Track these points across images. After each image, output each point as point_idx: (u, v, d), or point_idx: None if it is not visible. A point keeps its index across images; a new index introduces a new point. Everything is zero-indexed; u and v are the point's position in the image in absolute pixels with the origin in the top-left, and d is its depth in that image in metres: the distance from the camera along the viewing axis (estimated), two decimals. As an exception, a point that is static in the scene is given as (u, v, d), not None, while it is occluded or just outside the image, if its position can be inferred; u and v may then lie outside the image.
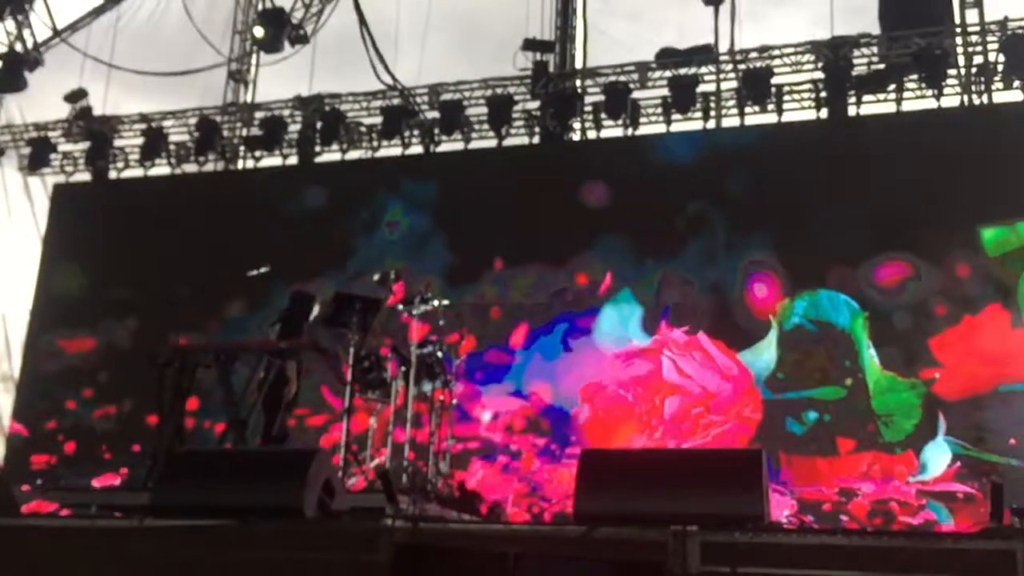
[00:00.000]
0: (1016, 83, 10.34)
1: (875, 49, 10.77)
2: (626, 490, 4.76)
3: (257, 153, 12.81)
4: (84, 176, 13.47)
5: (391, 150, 12.32)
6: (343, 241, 11.41)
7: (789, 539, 4.53)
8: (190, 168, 13.04)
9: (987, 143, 9.79)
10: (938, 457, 9.10)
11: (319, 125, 12.48)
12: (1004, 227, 9.48)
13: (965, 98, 10.63)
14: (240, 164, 13.19)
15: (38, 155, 13.40)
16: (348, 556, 4.71)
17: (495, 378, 10.40)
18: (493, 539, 4.69)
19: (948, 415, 9.12)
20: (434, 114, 12.09)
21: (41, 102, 13.35)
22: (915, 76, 10.57)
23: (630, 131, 11.51)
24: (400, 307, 7.55)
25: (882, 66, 10.70)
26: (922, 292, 9.42)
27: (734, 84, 11.24)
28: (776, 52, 11.05)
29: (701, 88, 11.25)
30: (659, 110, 11.42)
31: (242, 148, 13.10)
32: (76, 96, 13.12)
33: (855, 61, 10.77)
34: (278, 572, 4.80)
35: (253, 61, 13.89)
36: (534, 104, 11.90)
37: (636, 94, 11.48)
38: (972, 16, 10.84)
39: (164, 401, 7.03)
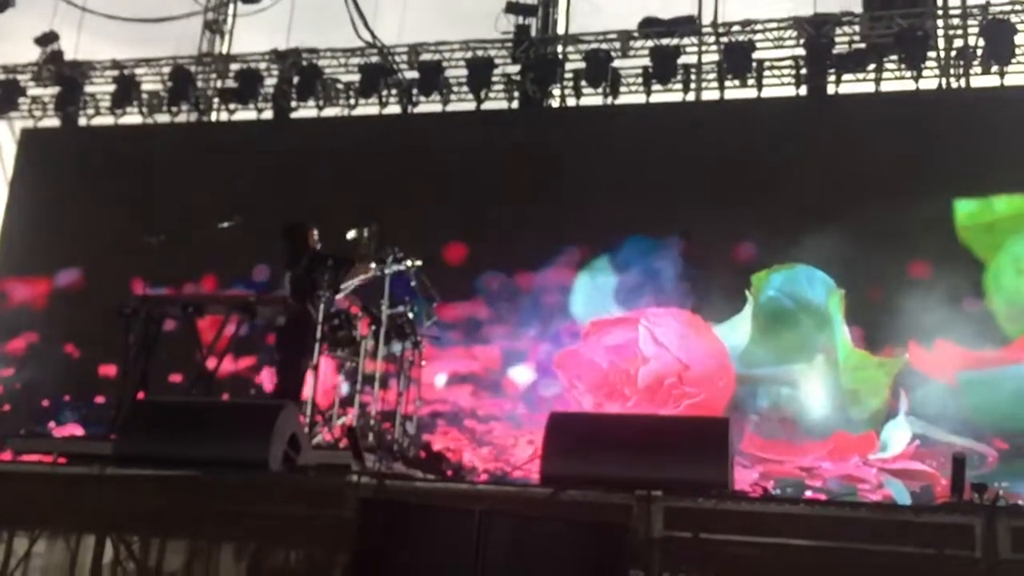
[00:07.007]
0: (994, 68, 10.37)
1: (857, 28, 10.76)
2: (593, 454, 4.78)
3: (231, 106, 12.60)
4: (53, 121, 13.20)
5: (368, 108, 12.19)
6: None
7: (752, 507, 4.57)
8: (162, 118, 12.83)
9: (962, 125, 9.83)
10: (898, 435, 9.21)
11: (295, 80, 12.30)
12: (978, 199, 9.55)
13: (943, 81, 10.67)
14: (214, 116, 12.98)
15: (6, 98, 13.09)
16: (313, 510, 4.71)
17: (465, 339, 10.36)
18: (459, 497, 4.70)
19: (912, 394, 9.22)
20: (413, 74, 11.96)
21: (10, 44, 13.05)
22: (895, 57, 10.59)
23: (610, 99, 11.45)
24: (373, 266, 7.49)
25: (863, 45, 10.71)
26: (896, 269, 9.46)
27: (715, 57, 11.20)
28: (759, 27, 11.01)
29: (682, 59, 11.20)
30: (639, 80, 11.37)
31: (216, 100, 12.87)
32: (47, 39, 12.81)
33: (836, 39, 10.76)
34: (242, 524, 4.78)
35: (230, 11, 13.61)
36: (514, 68, 11.80)
37: (617, 63, 11.39)
38: (955, -1, 10.87)
39: (129, 351, 6.95)
